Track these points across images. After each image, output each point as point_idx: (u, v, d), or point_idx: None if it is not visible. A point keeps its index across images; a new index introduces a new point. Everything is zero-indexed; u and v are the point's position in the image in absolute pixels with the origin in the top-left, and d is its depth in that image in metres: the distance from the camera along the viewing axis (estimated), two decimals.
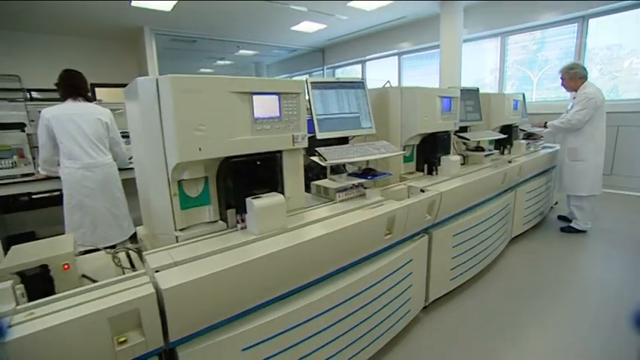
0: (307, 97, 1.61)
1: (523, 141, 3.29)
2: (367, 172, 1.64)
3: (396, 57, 7.70)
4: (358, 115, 1.75)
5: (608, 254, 2.79)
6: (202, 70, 10.38)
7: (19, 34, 6.18)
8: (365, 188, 1.72)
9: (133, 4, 4.91)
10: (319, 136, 1.60)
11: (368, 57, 8.11)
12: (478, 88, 2.79)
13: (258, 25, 6.49)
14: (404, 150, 2.12)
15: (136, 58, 7.06)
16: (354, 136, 1.75)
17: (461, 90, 2.57)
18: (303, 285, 1.28)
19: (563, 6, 4.87)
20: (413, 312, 1.84)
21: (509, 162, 2.79)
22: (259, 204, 1.20)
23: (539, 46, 5.63)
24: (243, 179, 1.25)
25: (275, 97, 1.30)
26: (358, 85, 1.77)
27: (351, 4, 5.43)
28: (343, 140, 1.75)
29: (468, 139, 2.48)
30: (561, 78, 3.18)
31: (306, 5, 5.51)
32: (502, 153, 3.20)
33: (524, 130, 3.51)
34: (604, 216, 3.62)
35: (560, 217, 3.57)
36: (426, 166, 2.22)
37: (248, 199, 1.23)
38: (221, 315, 1.06)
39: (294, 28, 6.78)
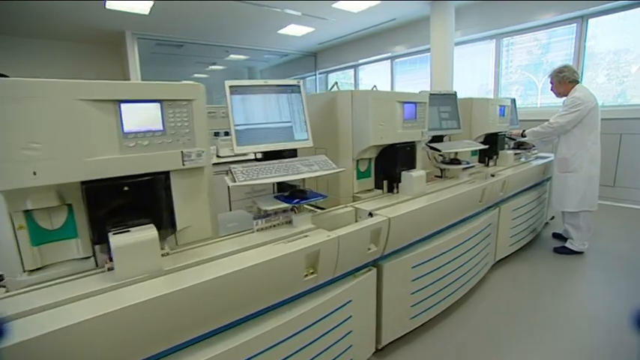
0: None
1: (510, 151, 2.97)
2: (294, 195, 1.36)
3: (389, 61, 7.43)
4: (291, 124, 1.48)
5: (606, 281, 2.44)
6: (196, 75, 10.23)
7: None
8: (314, 207, 1.44)
9: (108, 5, 4.74)
10: (236, 150, 1.33)
11: (360, 61, 7.84)
12: (455, 92, 2.50)
13: (244, 28, 6.29)
14: (357, 164, 1.84)
15: (119, 63, 6.91)
16: (284, 150, 1.48)
17: (434, 94, 2.29)
18: (184, 342, 1.01)
19: (559, 5, 4.55)
20: None
21: (493, 175, 2.48)
22: (118, 242, 0.93)
23: (544, 49, 5.30)
24: (105, 209, 0.99)
25: (155, 106, 1.04)
26: (292, 89, 1.50)
27: (335, 5, 5.19)
28: (277, 155, 1.48)
29: (439, 151, 2.19)
30: (550, 82, 2.87)
31: (288, 7, 5.28)
32: (487, 165, 2.89)
33: (513, 139, 3.20)
34: (604, 233, 3.27)
35: (555, 235, 3.23)
36: (385, 183, 1.93)
37: (110, 235, 0.96)
38: None
39: (281, 31, 6.56)
